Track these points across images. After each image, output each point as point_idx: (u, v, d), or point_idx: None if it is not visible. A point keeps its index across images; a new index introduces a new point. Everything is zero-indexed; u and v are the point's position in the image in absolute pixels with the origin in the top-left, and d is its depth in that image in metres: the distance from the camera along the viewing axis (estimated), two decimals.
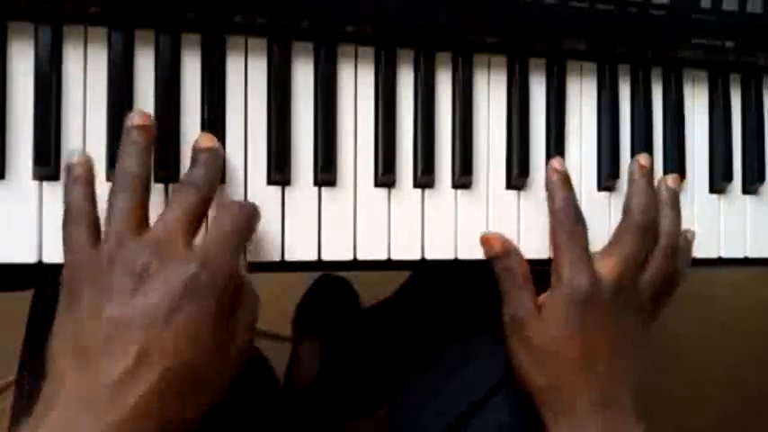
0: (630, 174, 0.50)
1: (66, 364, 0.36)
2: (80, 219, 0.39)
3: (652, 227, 0.48)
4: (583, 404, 0.45)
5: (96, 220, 0.40)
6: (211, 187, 0.41)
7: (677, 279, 0.50)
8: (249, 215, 0.41)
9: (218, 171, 0.42)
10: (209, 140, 0.42)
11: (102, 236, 0.39)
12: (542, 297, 0.47)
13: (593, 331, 0.45)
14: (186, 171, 0.41)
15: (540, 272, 0.48)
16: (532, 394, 0.47)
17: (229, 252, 0.39)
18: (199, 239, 0.40)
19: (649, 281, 0.48)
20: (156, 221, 0.39)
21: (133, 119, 0.41)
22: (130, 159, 0.40)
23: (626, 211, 0.49)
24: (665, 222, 0.49)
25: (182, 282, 0.36)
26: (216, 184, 0.42)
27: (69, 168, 0.40)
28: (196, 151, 0.42)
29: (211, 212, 0.42)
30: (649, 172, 0.50)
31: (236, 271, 0.39)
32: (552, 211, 0.48)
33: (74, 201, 0.39)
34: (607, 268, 0.46)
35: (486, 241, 0.48)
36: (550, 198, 0.48)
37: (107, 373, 0.35)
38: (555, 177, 0.48)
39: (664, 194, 0.50)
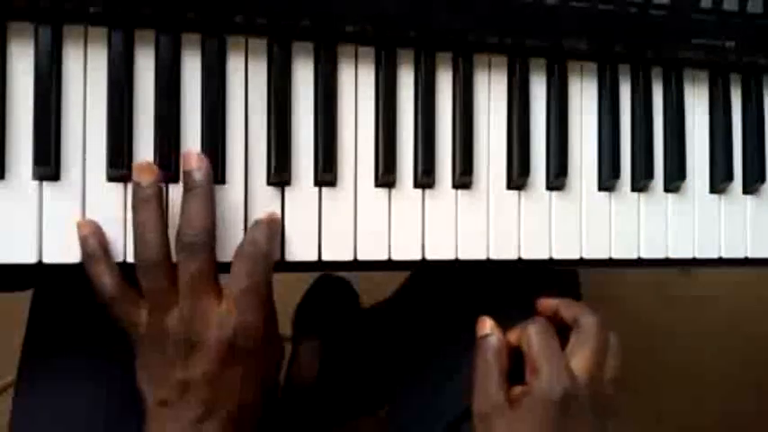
0: (551, 305, 0.49)
1: (158, 409, 0.42)
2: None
3: (602, 324, 0.47)
4: None
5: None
6: (211, 228, 0.41)
7: (616, 366, 0.48)
8: (265, 264, 0.42)
9: (211, 200, 0.42)
10: (196, 160, 0.42)
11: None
12: (517, 392, 0.45)
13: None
14: (182, 210, 0.41)
15: (540, 271, 0.48)
16: None
17: (255, 304, 0.42)
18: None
19: (612, 377, 0.47)
20: (180, 288, 0.41)
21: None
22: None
23: (575, 319, 0.47)
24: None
25: (222, 345, 0.41)
26: (212, 213, 0.42)
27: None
28: (187, 175, 0.42)
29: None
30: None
31: (268, 309, 0.43)
32: (524, 324, 0.47)
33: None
34: (580, 367, 0.45)
35: (479, 321, 0.47)
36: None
37: (188, 417, 0.42)
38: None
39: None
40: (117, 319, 0.42)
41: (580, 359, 0.46)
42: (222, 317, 0.41)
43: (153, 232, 0.41)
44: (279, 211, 0.45)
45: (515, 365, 0.46)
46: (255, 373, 0.43)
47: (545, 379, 0.44)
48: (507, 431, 0.45)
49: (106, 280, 0.41)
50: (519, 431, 0.44)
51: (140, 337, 0.42)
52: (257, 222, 0.43)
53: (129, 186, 0.43)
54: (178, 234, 0.41)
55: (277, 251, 0.44)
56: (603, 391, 0.46)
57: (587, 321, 0.47)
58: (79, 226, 0.42)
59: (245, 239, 0.43)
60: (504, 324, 0.47)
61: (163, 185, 0.42)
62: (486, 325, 0.47)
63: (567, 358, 0.46)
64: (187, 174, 0.42)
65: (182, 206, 0.41)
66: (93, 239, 0.41)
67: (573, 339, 0.47)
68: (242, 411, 0.43)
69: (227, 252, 0.44)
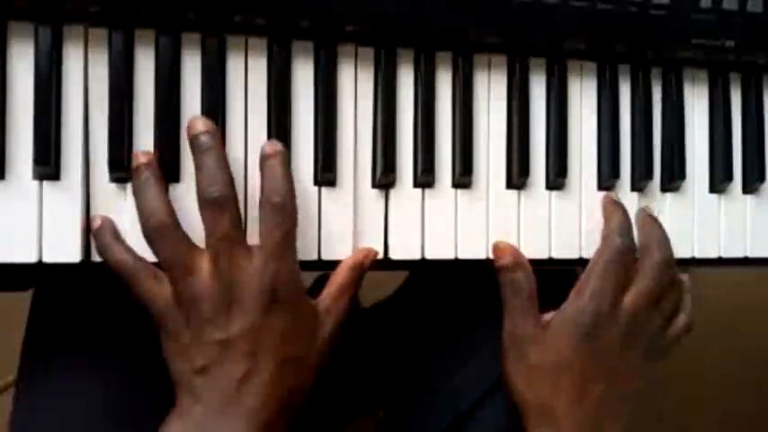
0: (640, 219, 0.50)
1: (194, 379, 0.41)
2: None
3: (672, 263, 0.48)
4: (571, 426, 0.45)
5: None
6: (230, 182, 0.41)
7: (687, 324, 0.49)
8: (291, 213, 0.42)
9: (224, 157, 0.42)
10: (202, 123, 0.42)
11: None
12: (549, 315, 0.46)
13: (595, 361, 0.45)
14: (197, 171, 0.41)
15: (540, 272, 0.48)
16: (519, 407, 0.47)
17: (288, 252, 0.42)
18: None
19: (664, 315, 0.48)
20: (211, 248, 0.41)
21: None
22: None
23: (645, 248, 0.48)
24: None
25: (263, 297, 0.41)
26: (227, 168, 0.41)
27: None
28: (194, 138, 0.42)
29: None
30: (654, 216, 0.50)
31: (297, 263, 0.42)
32: (605, 232, 0.48)
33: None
34: (626, 301, 0.46)
35: (497, 249, 0.47)
36: (605, 222, 0.48)
37: (230, 378, 0.40)
38: (610, 204, 0.49)
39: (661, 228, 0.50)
40: (140, 296, 0.41)
41: (630, 293, 0.46)
42: (260, 268, 0.41)
43: (157, 198, 0.41)
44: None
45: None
46: (297, 327, 0.42)
47: (582, 300, 0.45)
48: (535, 353, 0.46)
49: (125, 256, 0.41)
50: (547, 353, 0.45)
51: (166, 309, 0.41)
52: (267, 159, 0.42)
53: (130, 186, 0.43)
54: (199, 193, 0.41)
55: (293, 185, 0.43)
56: (648, 330, 0.47)
57: (652, 258, 0.47)
58: (93, 219, 0.42)
59: (264, 185, 0.42)
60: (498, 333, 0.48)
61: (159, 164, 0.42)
62: (508, 253, 0.47)
63: (620, 289, 0.46)
64: (195, 137, 0.41)
65: (196, 166, 0.41)
66: (107, 229, 0.41)
67: (635, 270, 0.47)
68: (286, 369, 0.42)
69: None
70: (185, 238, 0.41)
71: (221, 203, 0.40)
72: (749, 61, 0.53)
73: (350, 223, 0.46)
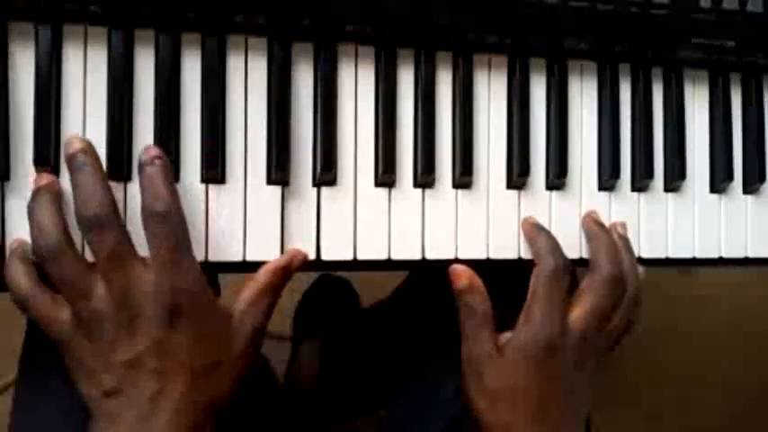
0: (587, 228, 0.49)
1: (105, 403, 0.40)
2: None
3: (622, 278, 0.47)
4: None
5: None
6: (109, 200, 0.39)
7: (633, 327, 0.49)
8: (178, 221, 0.40)
9: (101, 174, 0.40)
10: (78, 142, 0.40)
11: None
12: (504, 337, 0.46)
13: (552, 381, 0.45)
14: (74, 193, 0.40)
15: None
16: (480, 427, 0.46)
17: (184, 261, 0.40)
18: None
19: (614, 331, 0.48)
20: (101, 269, 0.39)
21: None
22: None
23: (594, 263, 0.47)
24: (627, 271, 0.48)
25: (165, 309, 0.39)
26: (106, 187, 0.40)
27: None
28: (70, 158, 0.40)
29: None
30: (602, 223, 0.50)
31: (198, 269, 0.41)
32: (536, 255, 0.47)
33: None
34: (577, 319, 0.46)
35: (453, 273, 0.47)
36: (532, 244, 0.48)
37: (142, 398, 0.39)
38: (532, 224, 0.48)
39: (619, 242, 0.49)
40: (39, 321, 0.40)
41: (581, 311, 0.46)
42: (156, 280, 0.39)
43: (50, 217, 0.39)
44: (279, 211, 0.45)
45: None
46: (206, 336, 0.41)
47: (533, 326, 0.45)
48: (493, 376, 0.46)
49: (22, 280, 0.39)
50: (504, 375, 0.45)
51: (66, 334, 0.40)
52: (144, 167, 0.40)
53: (129, 186, 0.43)
54: (77, 213, 0.39)
55: (175, 190, 0.41)
56: (600, 340, 0.47)
57: (601, 274, 0.47)
58: (12, 242, 0.41)
59: (145, 197, 0.40)
60: (504, 325, 0.47)
61: (58, 184, 0.41)
62: (463, 277, 0.46)
63: (571, 305, 0.46)
64: (72, 156, 0.40)
65: (73, 188, 0.40)
66: (15, 252, 0.40)
67: (584, 284, 0.47)
68: (199, 380, 0.41)
69: (228, 252, 0.44)
70: (79, 259, 0.39)
71: (101, 223, 0.39)
72: (749, 61, 0.53)
73: (350, 223, 0.46)
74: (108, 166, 0.42)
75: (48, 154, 0.41)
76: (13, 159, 0.41)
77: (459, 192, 0.48)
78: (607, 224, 0.50)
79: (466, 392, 0.47)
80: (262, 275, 0.43)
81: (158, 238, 0.39)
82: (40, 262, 0.39)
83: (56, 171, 0.42)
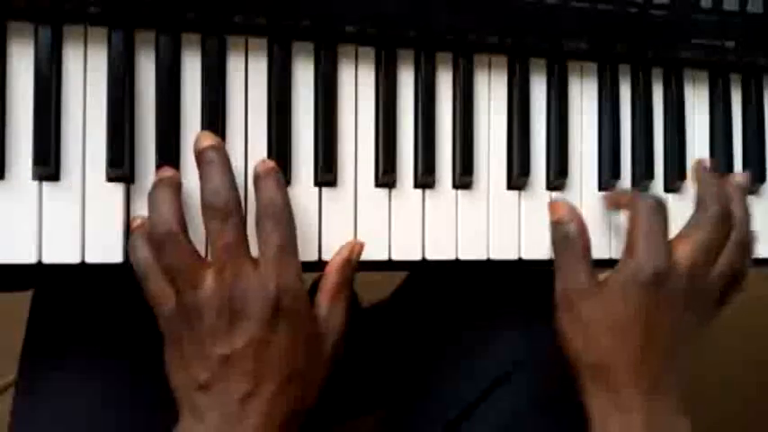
0: (696, 171, 0.50)
1: (195, 396, 0.40)
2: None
3: (728, 217, 0.46)
4: (630, 386, 0.43)
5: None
6: (235, 194, 0.41)
7: (741, 278, 0.48)
8: (289, 223, 0.42)
9: (229, 170, 0.41)
10: (209, 138, 0.42)
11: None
12: (605, 275, 0.45)
13: (656, 316, 0.43)
14: (202, 184, 0.41)
15: (541, 272, 0.48)
16: (575, 368, 0.45)
17: (291, 261, 0.41)
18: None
19: (720, 273, 0.46)
20: (215, 258, 0.40)
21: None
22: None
23: (700, 201, 0.47)
24: (737, 216, 0.47)
25: (267, 308, 0.40)
26: (233, 182, 0.41)
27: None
28: (200, 153, 0.42)
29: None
30: (712, 168, 0.50)
31: (300, 271, 0.41)
32: (633, 199, 0.46)
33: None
34: (682, 255, 0.44)
35: (553, 205, 0.47)
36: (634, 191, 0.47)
37: (232, 397, 0.40)
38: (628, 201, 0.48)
39: (733, 190, 0.48)
40: (149, 297, 0.41)
41: (686, 245, 0.45)
42: (263, 278, 0.40)
43: (169, 205, 0.40)
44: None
45: None
46: (301, 340, 0.41)
47: (637, 258, 0.43)
48: (593, 310, 0.44)
49: (146, 254, 0.41)
50: (606, 309, 0.44)
51: (171, 321, 0.41)
52: (260, 177, 0.42)
53: (129, 186, 0.43)
54: (204, 203, 0.40)
55: (288, 198, 0.42)
56: (706, 283, 0.45)
57: (709, 210, 0.46)
58: (134, 219, 0.42)
59: (259, 200, 0.41)
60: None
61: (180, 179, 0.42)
62: (562, 208, 0.46)
63: (675, 241, 0.45)
64: (202, 151, 0.41)
65: (202, 179, 0.41)
66: (141, 229, 0.41)
67: (690, 222, 0.47)
68: (289, 386, 0.41)
69: None
70: (192, 248, 0.40)
71: (226, 213, 0.40)
72: (749, 62, 0.53)
73: (350, 224, 0.46)
74: (108, 167, 0.42)
75: (47, 154, 0.41)
76: (13, 159, 0.41)
77: (460, 192, 0.48)
78: (607, 225, 0.50)
79: (560, 329, 0.45)
80: (332, 276, 0.44)
81: (270, 237, 0.40)
82: (153, 246, 0.40)
83: (55, 172, 0.42)
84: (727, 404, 1.20)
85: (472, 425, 0.53)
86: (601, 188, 0.51)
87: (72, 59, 0.42)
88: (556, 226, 0.46)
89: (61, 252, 0.42)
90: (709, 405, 1.19)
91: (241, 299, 0.40)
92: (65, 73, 0.42)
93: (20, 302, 0.52)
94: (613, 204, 0.49)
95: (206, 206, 0.40)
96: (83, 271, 0.42)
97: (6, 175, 0.41)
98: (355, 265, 0.45)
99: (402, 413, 0.61)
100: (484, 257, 0.48)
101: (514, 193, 0.49)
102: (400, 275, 0.79)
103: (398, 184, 0.47)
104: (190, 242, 0.41)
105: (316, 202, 0.46)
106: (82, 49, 0.43)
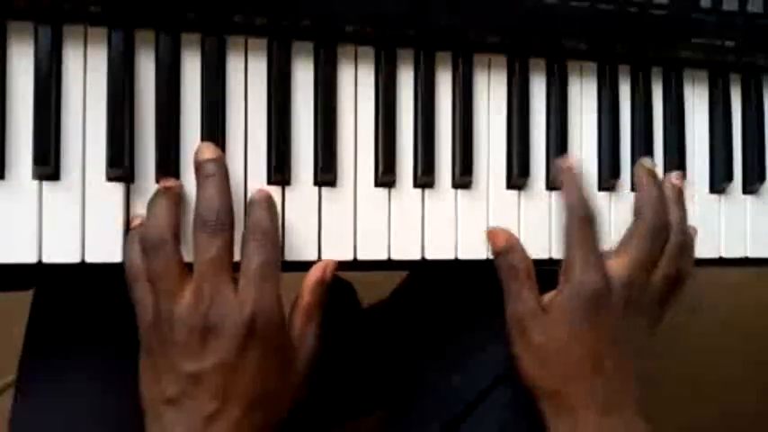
0: (637, 176, 0.50)
1: (162, 410, 0.40)
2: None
3: (665, 227, 0.47)
4: (586, 406, 0.44)
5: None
6: (229, 211, 0.41)
7: (684, 278, 0.49)
8: (274, 246, 0.42)
9: (227, 186, 0.41)
10: (210, 150, 0.42)
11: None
12: (548, 296, 0.46)
13: (601, 333, 0.44)
14: (198, 196, 0.41)
15: (542, 272, 0.48)
16: (534, 393, 0.46)
17: (270, 283, 0.41)
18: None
19: (660, 281, 0.47)
20: (196, 272, 0.40)
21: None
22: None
23: (638, 211, 0.48)
24: (673, 221, 0.48)
25: (242, 328, 0.39)
26: (229, 198, 0.41)
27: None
28: (200, 165, 0.42)
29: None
30: (655, 173, 0.50)
31: (279, 297, 0.41)
32: (564, 208, 0.47)
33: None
34: (619, 268, 0.45)
35: (491, 235, 0.47)
36: (562, 194, 0.47)
37: (198, 415, 0.39)
38: (565, 174, 0.47)
39: (669, 192, 0.49)
40: (134, 301, 0.41)
41: (624, 258, 0.46)
42: (240, 299, 0.40)
43: (166, 212, 0.40)
44: (279, 211, 0.45)
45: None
46: (273, 361, 0.41)
47: (576, 276, 0.44)
48: (541, 335, 0.45)
49: (136, 257, 0.41)
50: (552, 332, 0.45)
51: (148, 326, 0.41)
52: (254, 202, 0.42)
53: (129, 186, 0.43)
54: (197, 215, 0.41)
55: (278, 225, 0.43)
56: (647, 291, 0.46)
57: (645, 220, 0.47)
58: (133, 219, 0.42)
59: (249, 221, 0.42)
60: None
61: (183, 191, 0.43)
62: (501, 238, 0.47)
63: (614, 254, 0.46)
64: (201, 163, 0.42)
65: (199, 191, 0.41)
66: (137, 230, 0.41)
67: (628, 232, 0.47)
68: (257, 408, 0.41)
69: None
70: (178, 259, 0.40)
71: (216, 227, 0.40)
72: (749, 62, 0.53)
73: (350, 224, 0.46)
74: (108, 166, 0.42)
75: (47, 153, 0.41)
76: (13, 159, 0.41)
77: (459, 192, 0.48)
78: (608, 225, 0.50)
79: (514, 357, 0.46)
80: (306, 296, 0.44)
81: (253, 258, 0.40)
82: (142, 248, 0.40)
83: (55, 172, 0.42)
84: (728, 404, 1.20)
85: (471, 424, 0.53)
86: (601, 188, 0.51)
87: (72, 59, 0.42)
88: (498, 256, 0.47)
89: (61, 252, 0.42)
90: (709, 405, 1.19)
91: (216, 317, 0.39)
92: (65, 73, 0.42)
93: (20, 302, 0.52)
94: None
95: (197, 218, 0.40)
96: (83, 271, 0.42)
97: (6, 174, 0.41)
98: (329, 285, 0.45)
99: (401, 413, 0.61)
100: (483, 257, 0.48)
101: (514, 192, 0.49)
102: (400, 275, 0.79)
103: (398, 184, 0.47)
104: (178, 253, 0.40)
105: (315, 201, 0.46)
106: (82, 48, 0.43)
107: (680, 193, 0.50)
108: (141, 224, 0.42)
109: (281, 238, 0.43)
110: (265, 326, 0.40)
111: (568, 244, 0.46)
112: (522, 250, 0.47)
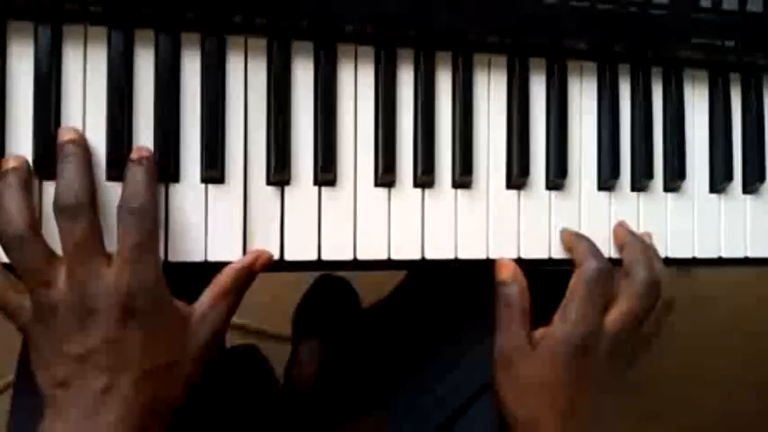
0: (621, 237, 0.50)
1: (56, 395, 0.40)
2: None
3: (658, 284, 0.47)
4: None
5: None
6: (88, 191, 0.40)
7: (657, 336, 0.50)
8: (151, 220, 0.41)
9: (86, 167, 0.41)
10: (70, 132, 0.41)
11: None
12: (539, 333, 0.47)
13: (582, 379, 0.46)
14: (56, 180, 0.40)
15: (542, 272, 0.48)
16: (507, 422, 0.47)
17: (148, 259, 0.40)
18: None
19: (645, 335, 0.48)
20: (65, 257, 0.39)
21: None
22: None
23: (629, 269, 0.48)
24: (662, 277, 0.48)
25: (118, 307, 0.39)
26: (88, 178, 0.40)
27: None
28: (59, 147, 0.41)
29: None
30: (634, 231, 0.50)
31: (159, 270, 0.41)
32: (579, 257, 0.47)
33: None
34: (613, 321, 0.46)
35: (498, 264, 0.48)
36: (573, 247, 0.48)
37: (89, 394, 0.39)
38: (567, 236, 0.49)
39: (654, 249, 0.50)
40: (3, 309, 0.41)
41: (616, 313, 0.46)
42: (115, 277, 0.39)
43: (18, 205, 0.39)
44: (278, 211, 0.45)
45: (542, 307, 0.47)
46: (161, 336, 0.41)
47: (568, 324, 0.45)
48: (525, 369, 0.46)
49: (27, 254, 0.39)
50: (536, 370, 0.46)
51: (26, 321, 0.40)
52: (132, 165, 0.41)
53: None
54: (55, 200, 0.39)
55: (156, 195, 0.42)
56: (630, 346, 0.47)
57: (638, 279, 0.47)
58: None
59: (125, 192, 0.40)
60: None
61: (29, 170, 0.41)
62: (507, 269, 0.47)
63: (606, 306, 0.46)
64: (62, 145, 0.41)
65: (57, 174, 0.40)
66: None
67: (620, 288, 0.47)
68: (150, 381, 0.40)
69: (228, 252, 0.44)
70: (44, 248, 0.40)
71: (75, 212, 0.39)
72: (749, 61, 0.53)
73: (350, 223, 0.46)
74: (107, 167, 0.42)
75: (47, 153, 0.41)
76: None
77: (459, 192, 0.48)
78: (608, 225, 0.50)
79: (494, 385, 0.47)
80: (224, 277, 0.43)
81: (127, 234, 0.40)
82: (3, 248, 0.40)
83: (55, 172, 0.42)
84: (728, 404, 1.20)
85: (471, 424, 0.53)
86: (600, 188, 0.51)
87: (72, 59, 0.42)
88: (499, 286, 0.47)
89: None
90: (708, 405, 1.19)
91: (92, 298, 0.39)
92: (65, 72, 0.42)
93: None
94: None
95: (56, 203, 0.39)
96: None
97: None
98: (255, 275, 0.44)
99: (402, 413, 0.61)
100: (483, 257, 0.48)
101: (514, 192, 0.49)
102: (400, 275, 0.79)
103: (398, 184, 0.47)
104: (41, 240, 0.40)
105: (315, 201, 0.46)
106: (82, 48, 0.43)
107: (655, 250, 0.50)
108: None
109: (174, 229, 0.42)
110: (144, 302, 0.40)
111: (573, 291, 0.46)
112: (524, 286, 0.47)
